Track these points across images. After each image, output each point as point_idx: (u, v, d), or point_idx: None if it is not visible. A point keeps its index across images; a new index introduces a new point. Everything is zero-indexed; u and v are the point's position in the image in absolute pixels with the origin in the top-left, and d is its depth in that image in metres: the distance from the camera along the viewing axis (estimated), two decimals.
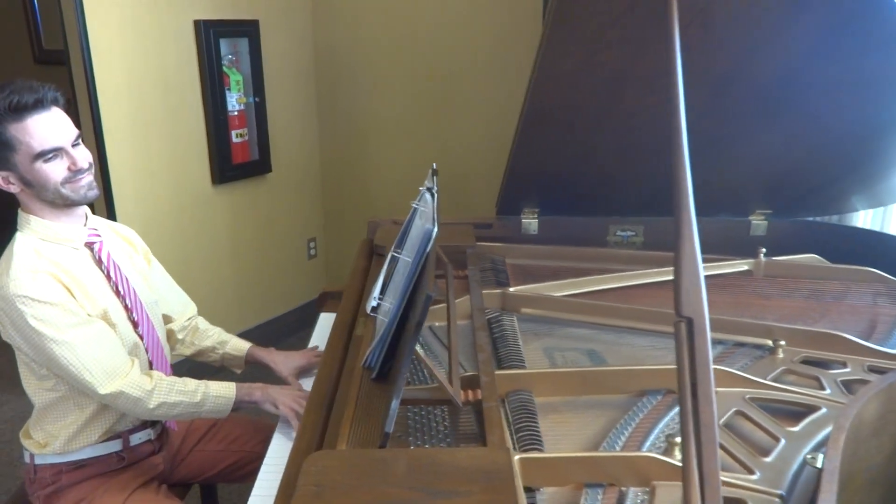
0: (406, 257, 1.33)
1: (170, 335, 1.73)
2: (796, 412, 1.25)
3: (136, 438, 1.52)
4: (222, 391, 1.50)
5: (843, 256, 1.93)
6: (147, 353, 1.53)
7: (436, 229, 1.12)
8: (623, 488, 1.06)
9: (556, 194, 1.97)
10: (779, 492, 1.03)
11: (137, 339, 1.51)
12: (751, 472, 1.08)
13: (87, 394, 1.40)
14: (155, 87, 2.69)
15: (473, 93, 2.97)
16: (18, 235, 1.39)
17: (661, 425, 1.22)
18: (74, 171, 1.36)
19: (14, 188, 1.37)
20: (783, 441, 1.15)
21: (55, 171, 1.34)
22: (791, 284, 1.83)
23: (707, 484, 0.80)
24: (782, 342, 1.45)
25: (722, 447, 1.14)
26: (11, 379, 3.16)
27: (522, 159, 1.65)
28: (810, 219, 2.11)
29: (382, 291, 1.43)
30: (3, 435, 2.78)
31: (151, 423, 1.55)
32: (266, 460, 1.35)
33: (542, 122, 1.47)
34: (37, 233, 1.39)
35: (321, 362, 1.37)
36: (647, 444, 1.16)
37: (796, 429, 1.19)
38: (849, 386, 1.34)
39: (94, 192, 1.40)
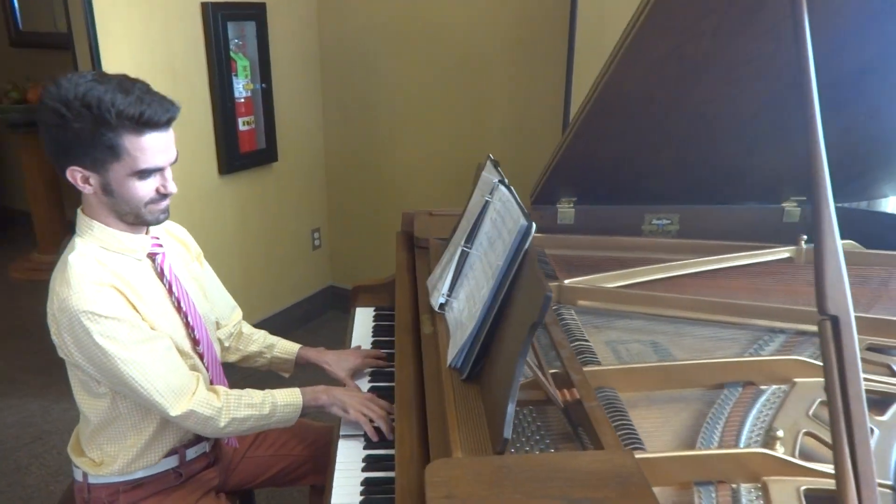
0: (481, 252, 1.29)
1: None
2: (874, 401, 1.25)
3: (192, 453, 1.47)
4: (289, 398, 1.43)
5: (877, 242, 1.95)
6: (207, 371, 1.48)
7: (534, 226, 1.08)
8: (734, 485, 1.04)
9: (597, 183, 1.94)
10: (890, 482, 1.03)
11: (197, 358, 1.45)
12: None
13: (153, 414, 1.35)
14: (162, 72, 2.59)
15: (489, 82, 2.92)
16: (78, 242, 1.30)
17: (751, 418, 1.20)
18: (162, 195, 1.31)
19: (88, 189, 1.28)
20: (877, 431, 1.15)
21: (145, 189, 1.28)
22: None
23: (863, 483, 0.79)
24: None
25: (821, 439, 1.13)
26: (13, 381, 3.07)
27: (577, 147, 1.61)
28: (841, 205, 2.13)
29: (451, 288, 1.39)
30: (6, 442, 2.68)
31: (206, 437, 1.49)
32: (338, 466, 1.30)
33: (609, 110, 1.44)
34: (99, 241, 1.31)
35: (397, 365, 1.33)
36: (743, 438, 1.15)
37: (884, 418, 1.19)
38: None
39: (167, 216, 1.35)
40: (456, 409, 1.07)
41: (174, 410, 1.30)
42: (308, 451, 1.65)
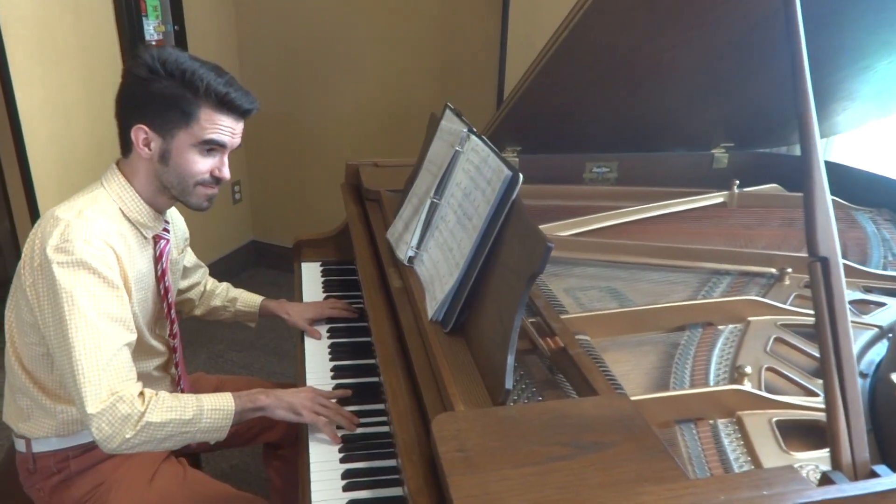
0: (454, 203, 1.27)
1: (187, 303, 1.67)
2: (809, 335, 1.34)
3: None
4: (218, 402, 1.25)
5: (797, 184, 2.07)
6: (176, 368, 1.46)
7: (520, 176, 1.07)
8: (711, 421, 1.10)
9: (542, 132, 1.95)
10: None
11: (170, 349, 1.43)
12: (815, 394, 1.16)
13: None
14: (63, 12, 2.34)
15: (419, 21, 2.83)
16: (100, 194, 1.27)
17: (715, 357, 1.27)
18: (215, 178, 1.30)
19: (147, 153, 1.25)
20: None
21: (202, 165, 1.26)
22: (763, 214, 1.94)
23: (852, 413, 0.84)
24: (789, 270, 1.55)
25: (781, 374, 1.21)
26: None
27: (531, 96, 1.60)
28: (764, 150, 2.25)
29: (419, 241, 1.36)
30: None
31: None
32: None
33: (571, 59, 1.43)
34: (121, 200, 1.28)
35: (372, 321, 1.30)
36: (712, 376, 1.21)
37: None
38: (855, 306, 1.45)
39: (209, 206, 1.33)
40: (448, 362, 1.06)
41: (94, 404, 1.14)
42: None
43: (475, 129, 1.32)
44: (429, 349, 1.12)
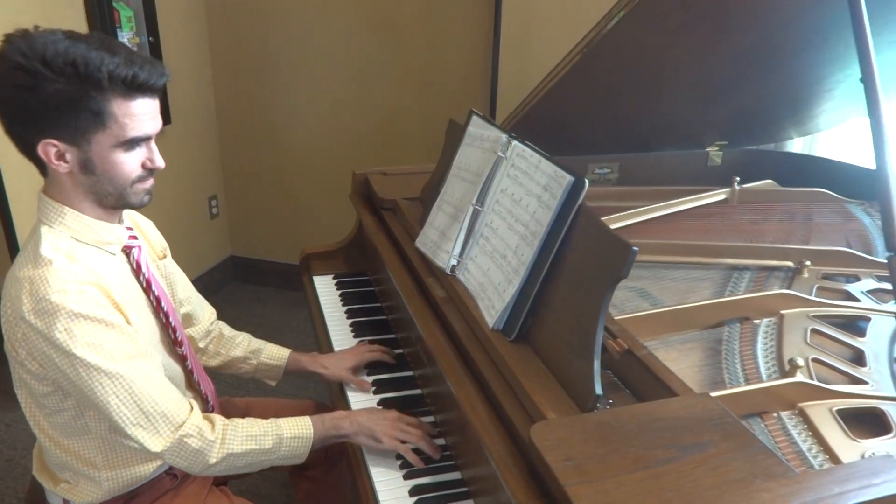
0: (501, 210, 1.26)
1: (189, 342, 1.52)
2: (841, 324, 1.39)
3: None
4: (298, 430, 1.22)
5: (789, 180, 2.15)
6: (194, 376, 1.33)
7: (586, 182, 1.07)
8: (775, 414, 1.12)
9: (550, 135, 1.95)
10: None
11: (181, 364, 1.30)
12: (863, 382, 1.19)
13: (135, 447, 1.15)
14: (33, 22, 2.23)
15: (400, 26, 2.81)
16: (46, 232, 1.10)
17: (759, 351, 1.29)
18: (148, 170, 1.14)
19: (64, 167, 1.08)
20: (866, 350, 1.28)
21: (131, 164, 1.11)
22: (763, 209, 2.00)
23: None
24: (808, 262, 1.60)
25: (827, 364, 1.24)
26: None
27: (550, 101, 1.61)
28: (757, 148, 2.32)
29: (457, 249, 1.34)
30: None
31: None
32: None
33: (597, 63, 1.44)
34: (72, 230, 1.12)
35: (427, 333, 1.27)
36: (762, 369, 1.24)
37: (865, 338, 1.33)
38: (874, 295, 1.51)
39: (150, 198, 1.18)
40: (527, 371, 1.05)
41: (157, 443, 1.11)
42: None
43: (514, 134, 1.32)
44: (496, 358, 1.11)
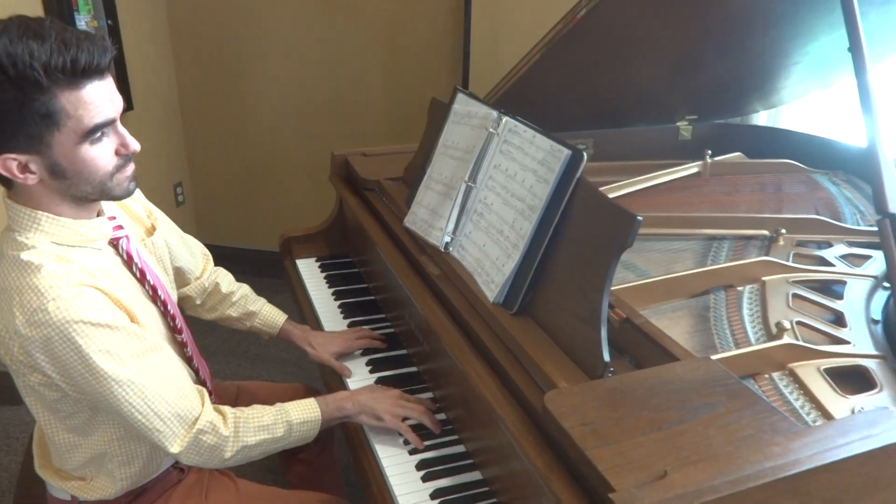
0: (495, 186, 1.27)
1: (185, 300, 1.47)
2: (818, 289, 1.44)
3: None
4: (306, 414, 1.21)
5: (756, 152, 2.21)
6: (193, 362, 1.30)
7: (584, 155, 1.09)
8: (766, 375, 1.17)
9: (528, 112, 1.97)
10: (880, 353, 1.21)
11: (181, 351, 1.27)
12: (845, 342, 1.25)
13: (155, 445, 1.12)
14: None
15: (366, 4, 2.78)
16: (17, 237, 1.02)
17: (745, 316, 1.34)
18: (124, 156, 1.04)
19: (31, 178, 0.98)
20: (844, 311, 1.34)
21: (104, 155, 1.01)
22: (735, 181, 2.05)
23: None
24: (783, 231, 1.65)
25: (810, 326, 1.30)
26: None
27: (532, 76, 1.62)
28: (724, 121, 2.37)
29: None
30: None
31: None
32: (394, 485, 1.20)
33: (583, 38, 1.46)
34: (50, 235, 1.03)
35: (427, 310, 1.27)
36: (750, 333, 1.28)
37: (843, 301, 1.39)
38: (846, 259, 1.57)
39: (136, 184, 1.09)
40: (532, 343, 1.07)
41: (176, 444, 1.09)
42: None
43: (502, 110, 1.33)
44: (500, 331, 1.13)
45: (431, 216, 1.42)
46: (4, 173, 0.98)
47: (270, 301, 1.56)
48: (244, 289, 1.56)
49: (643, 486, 0.77)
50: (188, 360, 1.29)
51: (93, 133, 0.98)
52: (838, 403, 1.08)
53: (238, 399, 1.54)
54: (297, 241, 1.93)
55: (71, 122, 0.95)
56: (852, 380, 1.16)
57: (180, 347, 1.28)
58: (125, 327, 1.04)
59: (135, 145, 1.05)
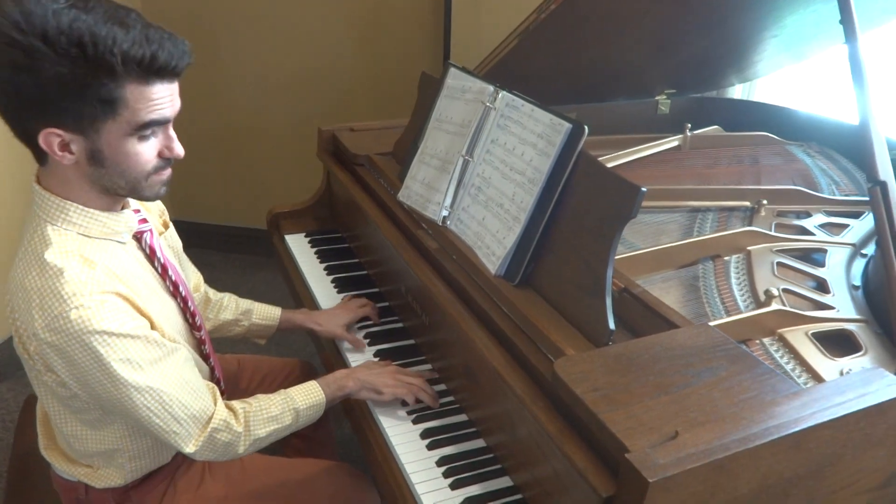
0: (494, 159, 1.29)
1: None
2: (800, 257, 1.50)
3: None
4: (310, 398, 1.22)
5: (733, 125, 2.26)
6: (210, 360, 1.29)
7: (585, 128, 1.11)
8: (757, 341, 1.21)
9: (513, 86, 1.98)
10: (862, 317, 1.27)
11: (198, 349, 1.25)
12: (830, 307, 1.30)
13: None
14: None
15: None
16: (51, 233, 0.99)
17: (734, 285, 1.38)
18: (165, 160, 1.03)
19: (69, 159, 0.96)
20: (827, 278, 1.40)
21: (147, 153, 0.99)
22: (714, 154, 2.10)
23: None
24: (765, 202, 1.70)
25: (796, 293, 1.35)
26: None
27: (517, 54, 1.63)
28: (701, 95, 2.42)
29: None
30: None
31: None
32: (401, 455, 1.21)
33: (566, 17, 1.47)
34: (78, 227, 1.01)
35: (428, 282, 1.29)
36: (739, 301, 1.33)
37: (825, 268, 1.44)
38: (825, 228, 1.63)
39: (167, 190, 1.07)
40: (537, 313, 1.09)
41: (191, 444, 1.09)
42: (287, 382, 1.56)
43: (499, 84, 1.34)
44: (504, 302, 1.15)
45: (427, 190, 1.42)
46: (44, 147, 0.95)
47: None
48: (230, 294, 1.53)
49: (656, 446, 0.81)
50: (205, 358, 1.27)
51: (144, 128, 0.97)
52: (827, 365, 1.13)
53: (239, 373, 1.54)
54: (284, 217, 1.92)
55: (127, 114, 0.94)
56: (838, 343, 1.22)
57: (198, 344, 1.26)
58: (145, 335, 1.02)
59: (180, 151, 1.04)
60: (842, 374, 1.11)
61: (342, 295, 1.61)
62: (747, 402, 0.88)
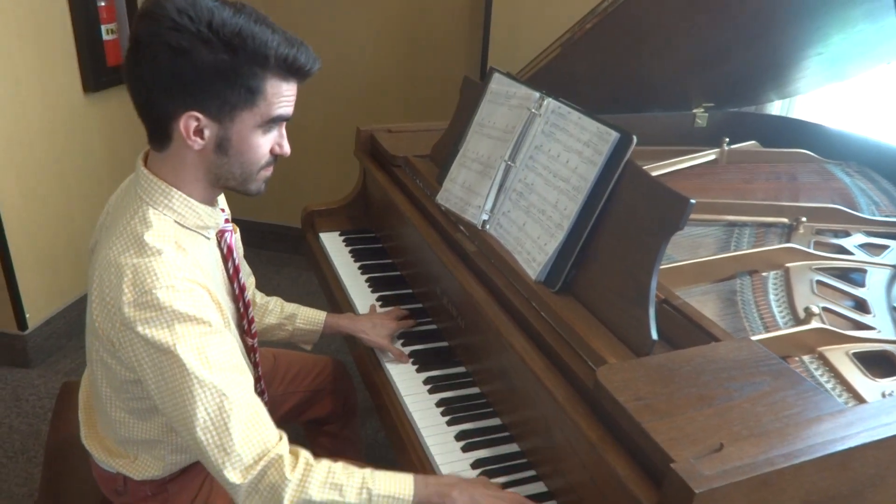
0: (537, 166, 1.29)
1: None
2: (839, 276, 1.48)
3: None
4: (395, 489, 1.03)
5: (771, 141, 2.25)
6: (258, 368, 1.29)
7: (634, 138, 1.11)
8: (797, 358, 1.21)
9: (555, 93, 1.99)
10: None
11: (250, 357, 1.24)
12: (870, 328, 1.29)
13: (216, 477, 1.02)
14: None
15: None
16: (152, 215, 1.03)
17: (772, 301, 1.38)
18: (275, 156, 1.10)
19: (199, 144, 1.01)
20: (868, 298, 1.38)
21: (265, 146, 1.06)
22: (751, 169, 2.09)
23: None
24: (804, 219, 1.69)
25: (836, 312, 1.34)
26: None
27: (559, 63, 1.64)
28: (739, 110, 2.40)
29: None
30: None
31: None
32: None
33: (611, 28, 1.48)
34: (177, 215, 1.05)
35: (467, 285, 1.30)
36: (778, 317, 1.32)
37: (865, 288, 1.43)
38: (865, 248, 1.61)
39: (264, 188, 1.13)
40: (577, 319, 1.10)
41: (239, 474, 0.98)
42: (317, 382, 1.58)
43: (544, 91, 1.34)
44: (544, 308, 1.15)
45: (467, 194, 1.43)
46: (182, 130, 1.00)
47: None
48: (276, 298, 1.53)
49: (701, 457, 0.80)
50: (255, 366, 1.27)
51: (271, 122, 1.05)
52: (868, 386, 1.12)
53: (275, 367, 1.55)
54: (319, 216, 1.94)
55: (262, 106, 1.02)
56: (878, 364, 1.20)
57: (249, 351, 1.26)
58: (222, 332, 1.03)
59: (288, 149, 1.11)
60: (883, 395, 1.10)
61: (376, 294, 1.63)
62: (791, 418, 0.88)
